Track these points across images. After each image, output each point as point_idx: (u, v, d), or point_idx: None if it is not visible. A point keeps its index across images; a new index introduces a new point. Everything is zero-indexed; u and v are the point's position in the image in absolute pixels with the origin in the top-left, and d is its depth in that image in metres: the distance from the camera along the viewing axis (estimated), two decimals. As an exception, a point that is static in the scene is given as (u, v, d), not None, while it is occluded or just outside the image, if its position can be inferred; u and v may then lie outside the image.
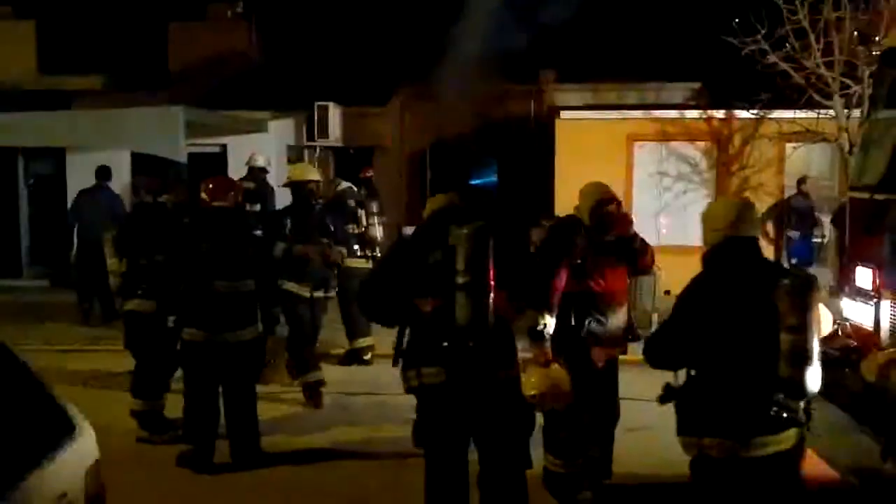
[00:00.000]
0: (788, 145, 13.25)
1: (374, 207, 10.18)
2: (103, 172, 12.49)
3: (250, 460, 6.52)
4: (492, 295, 4.62)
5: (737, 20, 11.76)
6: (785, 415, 3.91)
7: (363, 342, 9.57)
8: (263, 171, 12.77)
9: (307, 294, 8.09)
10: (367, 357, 9.58)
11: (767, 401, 3.91)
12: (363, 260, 9.64)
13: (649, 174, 13.76)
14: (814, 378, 3.89)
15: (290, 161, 15.56)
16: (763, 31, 11.60)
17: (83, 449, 3.77)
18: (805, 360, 3.85)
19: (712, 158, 13.82)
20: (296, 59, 17.40)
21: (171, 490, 6.17)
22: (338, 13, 18.01)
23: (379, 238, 10.07)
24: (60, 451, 3.58)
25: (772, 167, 13.60)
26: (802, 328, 3.85)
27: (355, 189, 10.81)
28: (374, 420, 7.63)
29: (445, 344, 4.68)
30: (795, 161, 13.54)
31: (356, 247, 9.63)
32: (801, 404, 3.95)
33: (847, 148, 11.23)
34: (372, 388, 8.48)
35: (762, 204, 13.48)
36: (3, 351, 3.83)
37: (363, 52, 16.96)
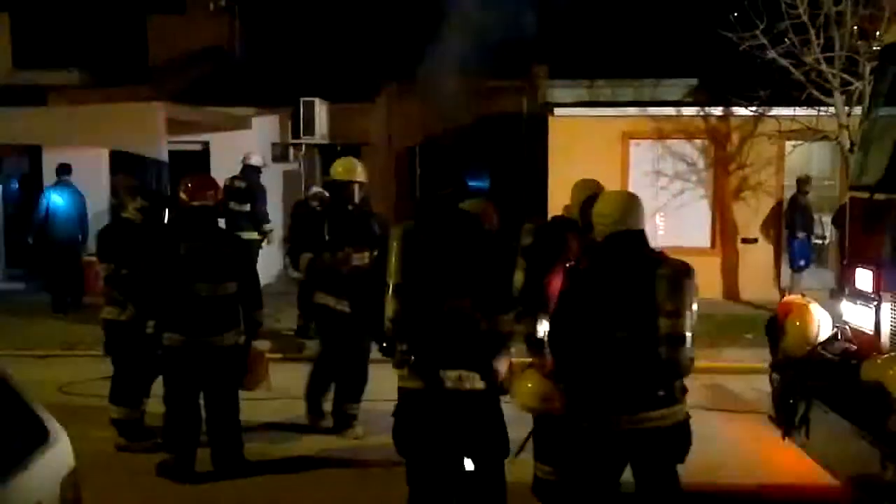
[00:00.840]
0: (788, 143, 13.05)
1: None
2: (64, 169, 12.87)
3: (233, 469, 6.38)
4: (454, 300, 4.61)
5: (734, 14, 11.53)
6: (661, 393, 4.27)
7: None
8: (257, 170, 12.62)
9: (346, 309, 7.16)
10: None
11: (649, 381, 4.26)
12: None
13: (645, 173, 13.52)
14: (687, 359, 4.27)
15: (275, 159, 15.31)
16: (762, 26, 11.39)
17: (58, 457, 3.73)
18: (680, 342, 4.23)
19: (710, 157, 13.63)
20: (280, 53, 17.16)
21: (151, 500, 6.10)
22: (323, 5, 17.73)
23: None
24: (34, 460, 3.53)
25: (771, 166, 13.41)
26: (678, 313, 4.22)
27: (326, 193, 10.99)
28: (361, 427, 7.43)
29: (384, 344, 4.84)
30: (795, 159, 13.36)
31: None
32: (678, 384, 4.33)
33: (848, 146, 11.02)
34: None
35: (761, 203, 13.31)
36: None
37: (350, 45, 16.72)
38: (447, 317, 4.67)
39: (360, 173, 7.36)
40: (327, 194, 11.01)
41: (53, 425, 3.81)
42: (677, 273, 4.30)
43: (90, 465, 4.19)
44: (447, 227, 4.90)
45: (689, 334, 4.27)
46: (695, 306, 4.36)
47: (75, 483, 3.80)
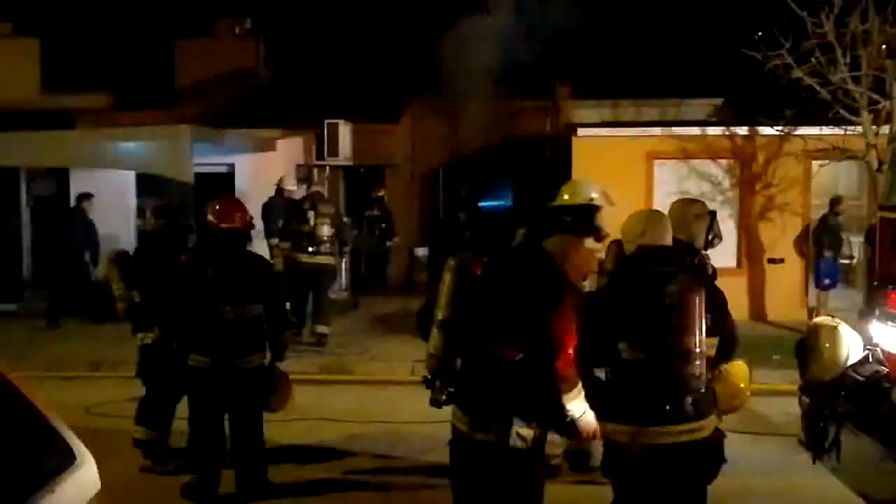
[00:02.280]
0: (815, 163, 12.93)
1: (325, 209, 11.26)
2: (85, 196, 13.42)
3: (257, 491, 6.33)
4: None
5: (760, 34, 11.46)
6: (668, 407, 4.22)
7: (321, 328, 11.25)
8: (280, 191, 12.74)
9: None
10: (324, 341, 11.24)
11: (658, 396, 4.23)
12: (309, 255, 11.03)
13: (670, 193, 13.32)
14: (694, 376, 4.26)
15: (300, 181, 15.36)
16: (787, 45, 11.33)
17: (84, 479, 3.67)
18: (686, 358, 4.24)
19: (735, 177, 13.50)
20: (305, 75, 17.25)
21: (175, 522, 6.03)
22: (348, 29, 17.86)
23: (326, 237, 11.13)
24: (61, 482, 3.49)
25: (797, 185, 13.26)
26: (683, 330, 4.25)
27: (323, 194, 11.85)
28: (386, 450, 7.39)
29: (427, 377, 4.56)
30: (822, 179, 13.19)
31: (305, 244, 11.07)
32: (689, 399, 4.24)
33: (876, 166, 10.89)
34: (384, 417, 8.25)
35: (787, 223, 13.19)
36: (1, 378, 3.70)
37: (374, 67, 16.78)
38: (491, 365, 4.16)
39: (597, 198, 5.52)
40: (323, 194, 11.45)
41: (80, 447, 3.77)
42: (684, 290, 4.32)
43: (116, 488, 4.14)
44: (511, 266, 4.39)
45: (697, 350, 4.28)
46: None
47: None
